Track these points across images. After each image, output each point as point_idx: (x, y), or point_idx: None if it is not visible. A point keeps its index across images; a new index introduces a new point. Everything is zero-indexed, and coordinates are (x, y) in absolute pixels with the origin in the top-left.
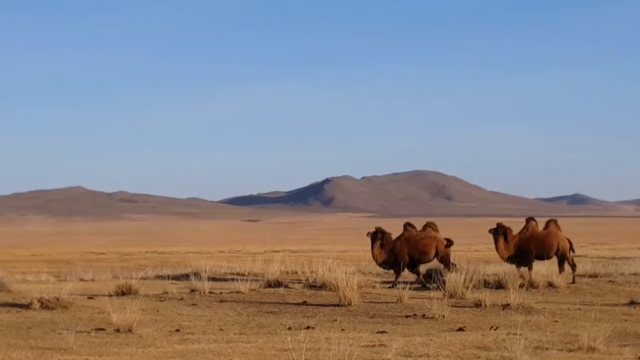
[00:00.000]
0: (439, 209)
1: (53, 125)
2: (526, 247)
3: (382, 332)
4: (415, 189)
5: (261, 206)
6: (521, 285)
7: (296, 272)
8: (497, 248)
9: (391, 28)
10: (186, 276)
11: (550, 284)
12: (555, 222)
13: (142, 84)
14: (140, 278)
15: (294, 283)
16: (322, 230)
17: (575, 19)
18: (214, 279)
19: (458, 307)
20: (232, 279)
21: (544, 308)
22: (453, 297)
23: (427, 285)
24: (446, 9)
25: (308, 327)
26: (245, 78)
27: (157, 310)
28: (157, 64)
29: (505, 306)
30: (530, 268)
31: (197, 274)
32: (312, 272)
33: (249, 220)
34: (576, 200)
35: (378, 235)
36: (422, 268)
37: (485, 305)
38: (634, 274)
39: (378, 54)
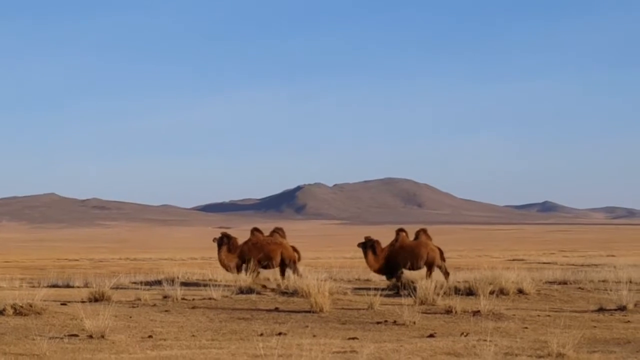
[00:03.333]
0: (410, 217)
1: (26, 132)
2: (395, 258)
3: (353, 338)
4: (387, 197)
5: (234, 213)
6: (491, 292)
7: (268, 279)
8: (366, 261)
9: (363, 39)
10: (159, 283)
11: (520, 291)
12: (425, 231)
13: (116, 91)
14: (113, 285)
15: (266, 289)
16: (294, 237)
17: (545, 30)
18: (186, 286)
19: (429, 313)
20: (205, 286)
21: (514, 315)
22: (424, 304)
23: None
24: (417, 22)
25: (280, 334)
26: (217, 87)
27: (130, 317)
28: (132, 72)
29: (476, 312)
30: (398, 278)
31: (169, 281)
32: (284, 278)
33: (222, 227)
34: (546, 207)
35: (224, 240)
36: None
37: (456, 312)
38: (603, 281)
39: (351, 63)
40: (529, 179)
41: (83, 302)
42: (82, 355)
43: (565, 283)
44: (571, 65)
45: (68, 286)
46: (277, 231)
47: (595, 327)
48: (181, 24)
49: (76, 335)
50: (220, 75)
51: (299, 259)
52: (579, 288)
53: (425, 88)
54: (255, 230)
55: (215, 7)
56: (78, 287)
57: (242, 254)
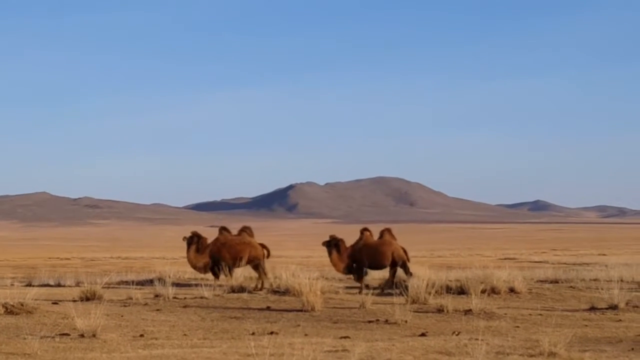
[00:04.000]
0: (402, 215)
1: (18, 130)
2: (359, 257)
3: (345, 337)
4: (379, 195)
5: (225, 212)
6: (483, 291)
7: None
8: (330, 260)
9: (356, 37)
10: (150, 282)
11: (512, 290)
12: (389, 231)
13: (107, 89)
14: (105, 284)
15: (257, 288)
16: (286, 236)
17: (535, 29)
18: (178, 285)
19: (421, 312)
20: (196, 285)
21: (505, 313)
22: (416, 303)
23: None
24: (411, 19)
25: (272, 333)
26: (210, 86)
27: (122, 316)
28: (122, 71)
29: (468, 311)
30: (362, 276)
31: (161, 280)
32: (275, 277)
33: (213, 226)
34: (538, 206)
35: (194, 240)
36: (381, 274)
37: (448, 311)
38: (595, 280)
39: (342, 61)
40: (520, 177)
41: (74, 301)
42: (73, 355)
43: (556, 282)
44: (563, 64)
45: (59, 285)
46: (245, 230)
47: (586, 326)
48: (176, 23)
49: (68, 335)
50: (212, 74)
51: (268, 256)
52: (571, 287)
53: (417, 87)
54: (223, 229)
55: (203, 4)
56: (69, 286)
57: (211, 253)
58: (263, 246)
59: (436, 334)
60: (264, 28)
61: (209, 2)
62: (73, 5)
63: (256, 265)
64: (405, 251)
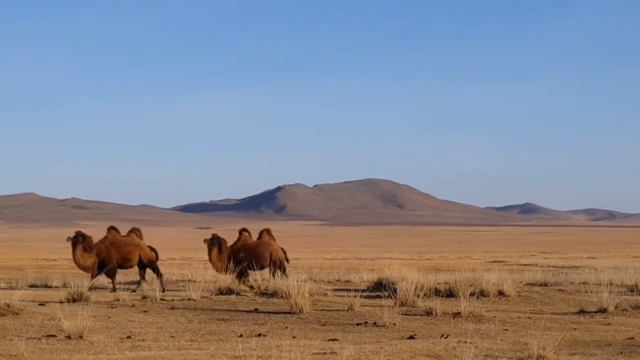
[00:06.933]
0: (391, 217)
1: (5, 131)
2: (238, 257)
3: (333, 339)
4: (368, 197)
5: (213, 213)
6: (472, 294)
7: (248, 280)
8: (210, 258)
9: (344, 41)
10: (137, 283)
11: (501, 293)
12: (268, 231)
13: (96, 91)
14: (92, 285)
15: (245, 290)
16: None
17: (527, 34)
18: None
19: (409, 315)
20: (184, 286)
21: (494, 316)
22: (404, 305)
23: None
24: (395, 24)
25: (259, 335)
26: (196, 86)
27: (108, 317)
28: (109, 73)
29: (456, 314)
30: (245, 277)
31: (148, 281)
32: (263, 279)
33: (201, 228)
34: (527, 209)
35: (79, 239)
36: (373, 277)
37: (436, 314)
38: (584, 283)
39: (331, 65)
40: (509, 180)
41: (61, 302)
42: (60, 356)
43: (545, 285)
44: (552, 68)
45: (46, 286)
46: (135, 231)
47: (575, 329)
48: (162, 26)
49: (54, 336)
50: (200, 75)
51: (157, 259)
52: (560, 290)
53: (406, 89)
54: (111, 228)
55: (193, 8)
56: (56, 287)
57: (98, 253)
58: (152, 249)
59: (424, 337)
60: (256, 31)
61: (196, 5)
62: (64, 6)
63: (146, 267)
64: (284, 252)
